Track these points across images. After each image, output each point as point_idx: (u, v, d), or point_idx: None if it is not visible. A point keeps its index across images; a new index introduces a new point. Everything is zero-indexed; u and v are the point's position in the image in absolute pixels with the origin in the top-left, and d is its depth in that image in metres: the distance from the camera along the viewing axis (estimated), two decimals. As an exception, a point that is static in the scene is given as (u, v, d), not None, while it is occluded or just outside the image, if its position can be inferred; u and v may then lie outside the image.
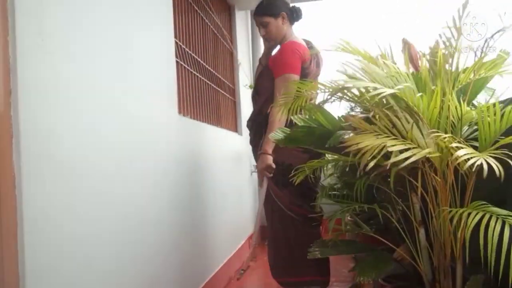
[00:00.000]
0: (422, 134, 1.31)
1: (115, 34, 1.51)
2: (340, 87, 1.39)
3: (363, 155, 1.21)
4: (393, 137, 1.27)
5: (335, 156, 1.68)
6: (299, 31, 2.32)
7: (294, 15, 2.23)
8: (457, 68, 1.40)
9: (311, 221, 2.10)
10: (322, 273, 2.14)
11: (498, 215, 1.18)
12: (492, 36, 1.55)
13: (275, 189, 2.19)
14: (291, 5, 2.30)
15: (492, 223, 1.16)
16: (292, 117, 1.88)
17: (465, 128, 1.49)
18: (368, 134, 1.28)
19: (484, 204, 1.28)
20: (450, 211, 1.32)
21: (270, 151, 2.09)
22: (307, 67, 2.10)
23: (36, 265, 1.02)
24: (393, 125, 1.31)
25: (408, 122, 1.30)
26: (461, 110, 1.44)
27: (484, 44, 1.50)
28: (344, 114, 1.96)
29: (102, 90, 1.40)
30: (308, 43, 2.25)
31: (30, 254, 1.00)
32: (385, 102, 1.46)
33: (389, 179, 1.71)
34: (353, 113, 2.62)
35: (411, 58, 1.59)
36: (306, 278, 2.12)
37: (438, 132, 1.29)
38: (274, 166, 2.10)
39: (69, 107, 1.20)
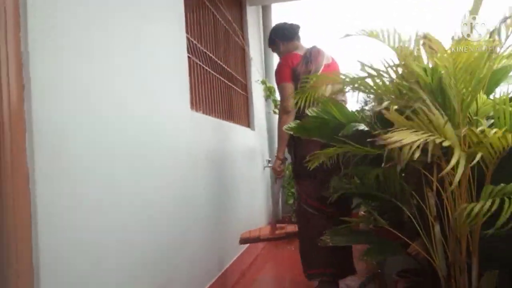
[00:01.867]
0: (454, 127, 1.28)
1: (127, 29, 1.51)
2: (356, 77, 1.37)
3: (401, 150, 1.18)
4: (430, 133, 1.24)
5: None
6: (315, 27, 2.39)
7: (287, 34, 2.60)
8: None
9: (328, 215, 2.22)
10: (332, 265, 2.25)
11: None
12: (501, 23, 1.51)
13: (296, 182, 2.45)
14: (288, 22, 2.66)
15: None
16: (307, 110, 1.97)
17: (484, 121, 1.46)
18: (405, 131, 1.23)
19: (496, 187, 1.25)
20: (466, 206, 1.30)
21: (279, 155, 2.43)
22: (297, 69, 2.37)
23: (50, 258, 1.03)
24: (430, 121, 1.27)
25: (443, 117, 1.27)
26: (477, 103, 1.41)
27: (495, 30, 1.46)
28: (358, 109, 1.95)
29: (114, 85, 1.40)
30: (311, 49, 2.48)
31: (44, 247, 1.01)
32: (401, 93, 1.44)
33: (403, 174, 1.69)
34: (367, 107, 2.59)
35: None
36: (315, 271, 2.28)
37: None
38: (279, 169, 2.46)
39: (81, 102, 1.21)
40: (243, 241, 2.72)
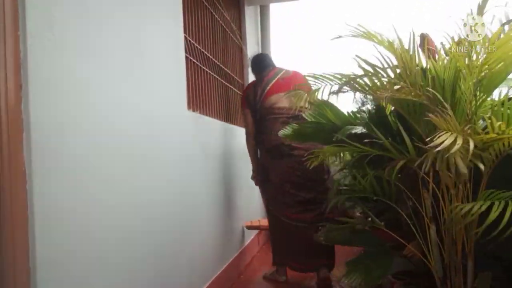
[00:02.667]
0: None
1: (125, 28, 1.51)
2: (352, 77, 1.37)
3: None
4: (456, 133, 1.24)
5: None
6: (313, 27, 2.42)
7: (255, 67, 2.99)
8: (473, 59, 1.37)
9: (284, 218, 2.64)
10: (274, 251, 2.79)
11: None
12: (503, 25, 1.51)
13: (260, 189, 3.00)
14: (260, 54, 3.16)
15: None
16: (303, 114, 2.04)
17: (480, 122, 1.47)
18: (446, 133, 1.23)
19: (495, 191, 1.26)
20: (463, 206, 1.30)
21: (253, 167, 2.92)
22: (249, 94, 2.84)
23: (46, 258, 1.03)
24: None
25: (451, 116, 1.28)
26: (475, 103, 1.42)
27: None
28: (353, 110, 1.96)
29: (112, 85, 1.40)
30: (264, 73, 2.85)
31: (40, 248, 1.01)
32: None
33: (399, 175, 1.69)
34: (364, 108, 2.61)
35: (430, 51, 1.57)
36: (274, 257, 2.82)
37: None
38: (255, 179, 2.94)
39: (79, 102, 1.21)
40: (248, 227, 3.20)
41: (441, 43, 1.56)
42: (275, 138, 2.54)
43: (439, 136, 1.20)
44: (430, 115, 1.32)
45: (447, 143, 1.16)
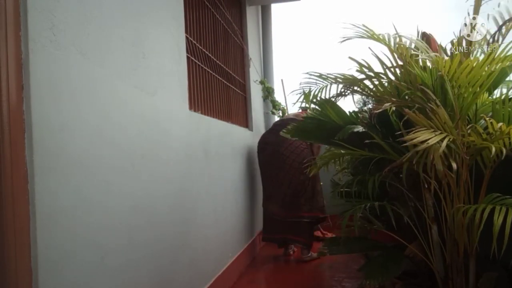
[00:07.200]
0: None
1: (126, 29, 1.51)
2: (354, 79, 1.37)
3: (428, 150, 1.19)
4: (446, 133, 1.24)
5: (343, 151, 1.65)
6: (314, 27, 2.40)
7: None
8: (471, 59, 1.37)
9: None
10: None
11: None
12: (502, 26, 1.51)
13: None
14: None
15: (508, 216, 1.14)
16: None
17: (481, 121, 1.46)
18: (426, 131, 1.24)
19: (499, 196, 1.26)
20: (464, 206, 1.30)
21: None
22: None
23: (48, 258, 1.03)
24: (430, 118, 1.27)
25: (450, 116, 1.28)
26: (476, 103, 1.41)
27: (496, 33, 1.46)
28: (355, 110, 1.95)
29: (113, 85, 1.40)
30: None
31: (42, 247, 1.01)
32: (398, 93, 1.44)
33: (401, 175, 1.69)
34: (365, 108, 2.61)
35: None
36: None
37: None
38: None
39: (81, 102, 1.21)
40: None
41: (439, 44, 1.56)
42: None
43: (415, 132, 1.20)
44: (406, 110, 1.33)
45: (421, 139, 1.17)
